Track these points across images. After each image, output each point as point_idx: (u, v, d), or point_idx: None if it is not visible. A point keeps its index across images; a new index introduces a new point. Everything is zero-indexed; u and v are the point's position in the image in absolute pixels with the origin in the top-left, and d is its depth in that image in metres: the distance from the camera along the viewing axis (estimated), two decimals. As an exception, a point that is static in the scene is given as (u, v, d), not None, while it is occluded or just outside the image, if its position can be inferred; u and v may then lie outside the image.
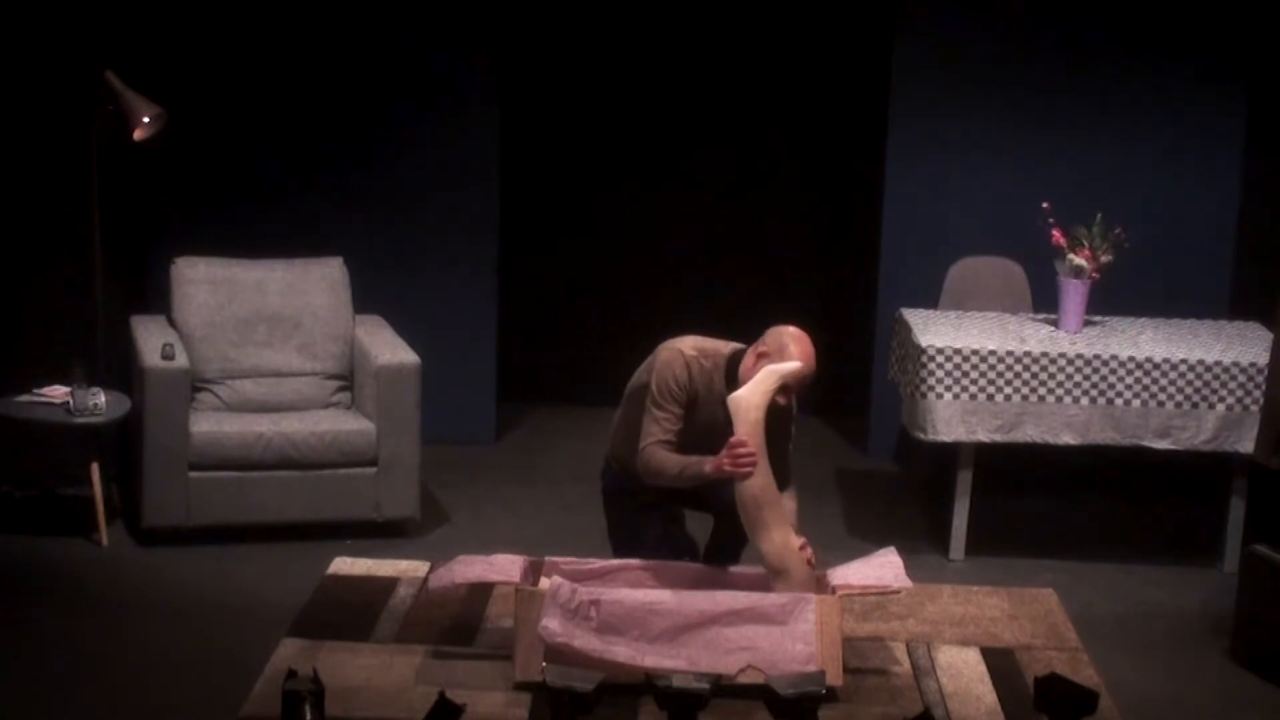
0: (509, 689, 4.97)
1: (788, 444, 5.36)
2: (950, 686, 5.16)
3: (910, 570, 5.29)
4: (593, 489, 6.95)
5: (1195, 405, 6.09)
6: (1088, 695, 4.61)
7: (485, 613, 5.56)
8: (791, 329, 5.13)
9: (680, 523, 5.55)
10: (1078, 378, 6.11)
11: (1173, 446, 6.14)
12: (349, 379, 6.62)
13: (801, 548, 5.15)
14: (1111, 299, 6.60)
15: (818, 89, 7.98)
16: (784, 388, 5.08)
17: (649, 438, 5.20)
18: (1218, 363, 6.09)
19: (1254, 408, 6.01)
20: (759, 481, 5.04)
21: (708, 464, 5.06)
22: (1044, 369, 6.12)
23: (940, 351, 6.14)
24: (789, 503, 5.29)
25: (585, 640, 4.91)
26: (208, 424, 6.20)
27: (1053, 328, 6.43)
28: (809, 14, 7.91)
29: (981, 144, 7.37)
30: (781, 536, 5.11)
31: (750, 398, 5.04)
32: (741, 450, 4.99)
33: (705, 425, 5.23)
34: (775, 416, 5.19)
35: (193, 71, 7.04)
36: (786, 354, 5.07)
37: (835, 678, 4.97)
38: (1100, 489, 6.35)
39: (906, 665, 5.30)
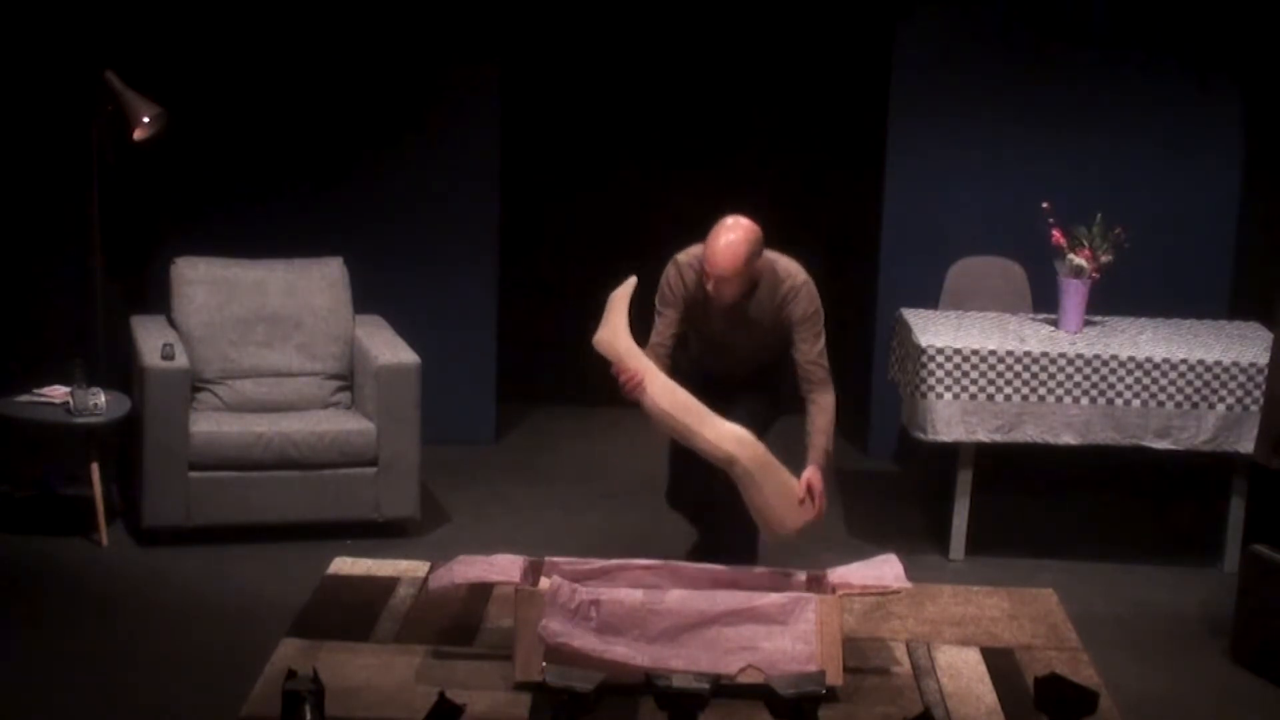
0: (509, 689, 4.97)
1: (806, 346, 5.42)
2: (950, 686, 5.16)
3: (910, 570, 5.30)
4: (593, 489, 6.98)
5: (1195, 405, 6.09)
6: (1088, 695, 4.61)
7: (485, 613, 5.57)
8: (722, 221, 5.34)
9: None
10: (1078, 378, 6.11)
11: (1173, 446, 6.13)
12: (349, 379, 6.62)
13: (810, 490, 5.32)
14: (1111, 299, 6.60)
15: (817, 89, 7.98)
16: (718, 280, 5.27)
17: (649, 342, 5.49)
18: (1218, 363, 6.09)
19: (1254, 408, 6.01)
20: (656, 395, 5.25)
21: None
22: (1044, 369, 6.12)
23: (940, 351, 6.14)
24: (824, 399, 5.43)
25: (585, 640, 4.91)
26: (208, 424, 6.20)
27: (1053, 328, 6.43)
28: (809, 14, 7.91)
29: (981, 144, 7.37)
30: (711, 432, 5.26)
31: (604, 334, 5.30)
32: (622, 379, 5.25)
33: (718, 320, 5.46)
34: (781, 324, 5.41)
35: (193, 71, 7.04)
36: (705, 249, 5.31)
37: (835, 678, 4.98)
38: (1100, 489, 6.36)
39: (906, 665, 5.31)
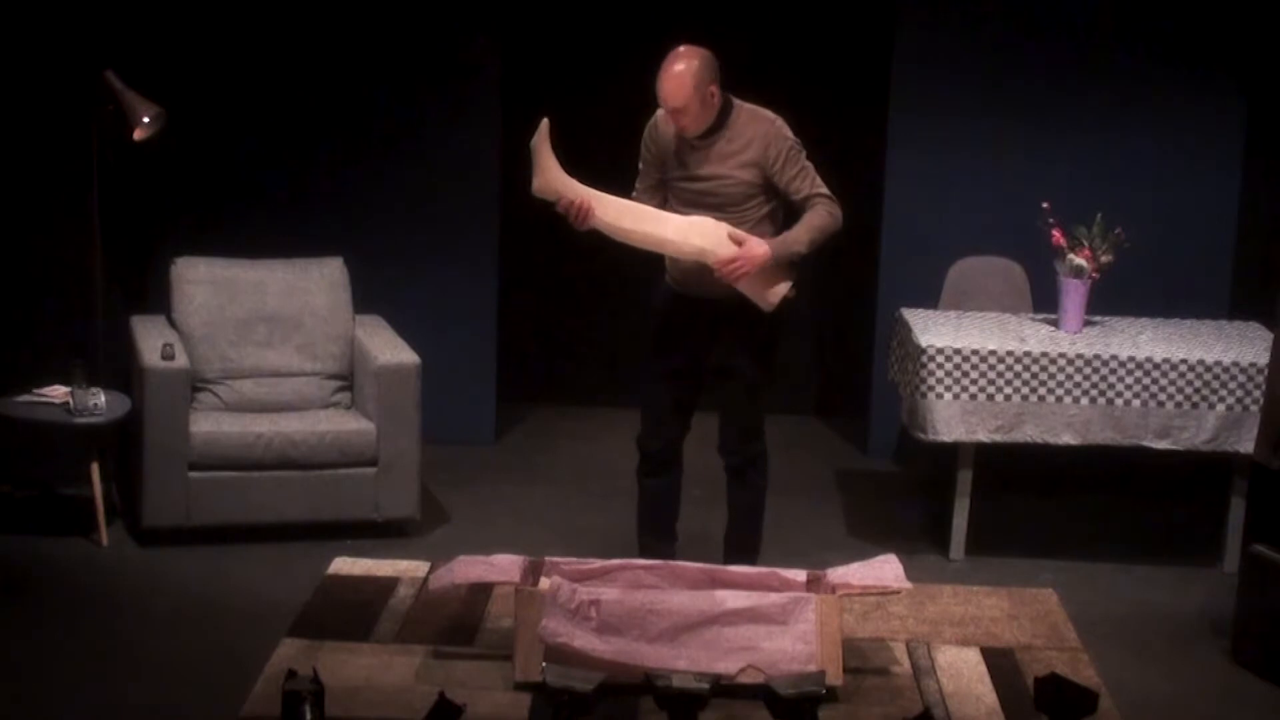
0: (509, 689, 4.97)
1: (796, 184, 5.38)
2: (950, 686, 5.16)
3: (910, 570, 5.30)
4: (593, 489, 6.98)
5: (1195, 405, 6.09)
6: (1088, 695, 4.62)
7: (485, 613, 5.57)
8: (673, 51, 5.37)
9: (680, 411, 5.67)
10: (1078, 378, 6.11)
11: (1173, 446, 6.13)
12: (349, 379, 6.62)
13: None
14: (1111, 299, 6.60)
15: (817, 88, 7.97)
16: (673, 113, 5.32)
17: None
18: (1218, 363, 6.09)
19: (1254, 408, 6.01)
20: (608, 216, 5.37)
21: None
22: (1044, 369, 6.12)
23: (940, 351, 6.14)
24: (823, 205, 5.38)
25: (585, 640, 4.91)
26: (208, 424, 6.20)
27: (1053, 328, 6.43)
28: (809, 13, 7.90)
29: (981, 144, 7.37)
30: (671, 231, 5.35)
31: (539, 181, 5.37)
32: (570, 211, 5.34)
33: (692, 167, 5.43)
34: (758, 164, 5.36)
35: (193, 71, 7.04)
36: (657, 83, 5.31)
37: (835, 678, 4.98)
38: (1100, 489, 6.35)
39: (906, 665, 5.31)
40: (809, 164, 5.43)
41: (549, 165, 5.37)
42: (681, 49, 5.36)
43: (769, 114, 5.45)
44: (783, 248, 5.35)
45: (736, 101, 5.47)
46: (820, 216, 5.39)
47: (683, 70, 5.29)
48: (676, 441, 5.67)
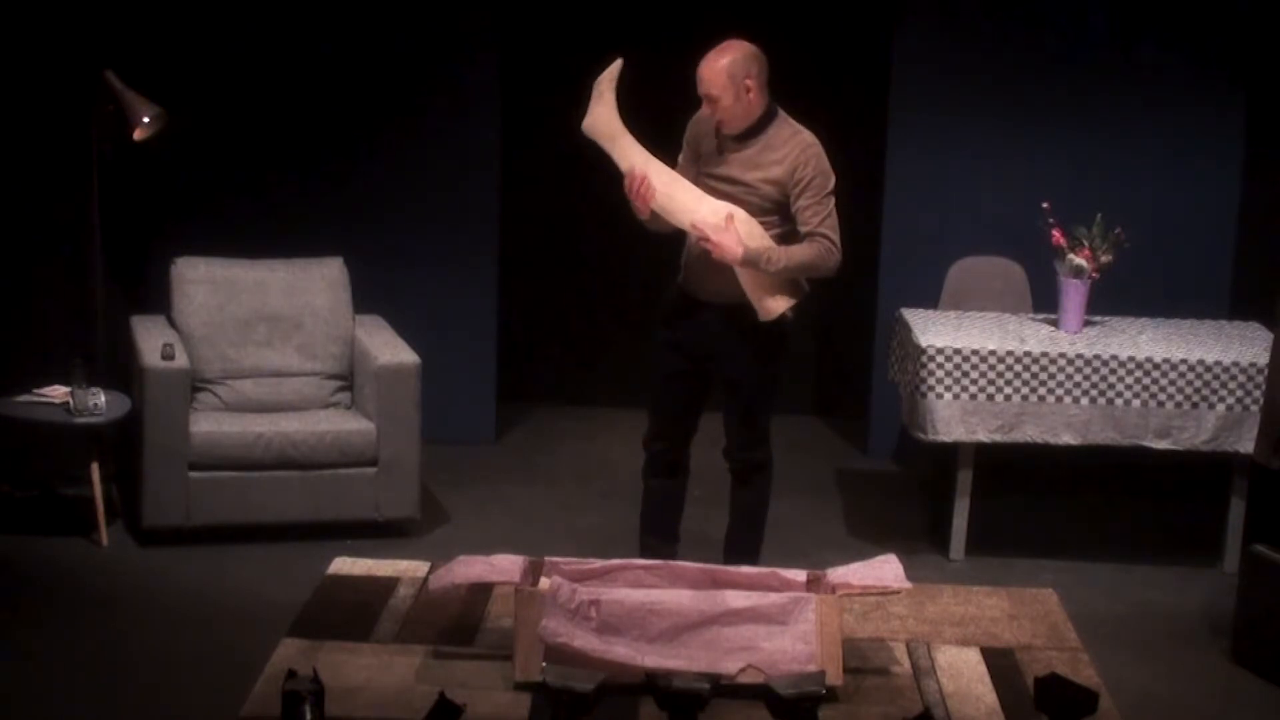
0: (509, 689, 4.97)
1: (809, 214, 5.30)
2: (950, 686, 5.16)
3: (910, 570, 5.30)
4: (593, 489, 6.98)
5: (1195, 405, 6.10)
6: (1088, 695, 4.62)
7: (485, 613, 5.57)
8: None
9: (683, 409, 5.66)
10: (1078, 378, 6.11)
11: (1173, 446, 6.13)
12: (349, 379, 6.62)
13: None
14: (1111, 299, 6.60)
15: (817, 88, 7.96)
16: (705, 97, 5.34)
17: None
18: (1218, 363, 6.09)
19: (1254, 408, 6.01)
20: (655, 181, 5.36)
21: None
22: (1044, 369, 6.12)
23: (940, 351, 6.14)
24: (821, 243, 5.30)
25: (585, 640, 4.91)
26: (208, 424, 6.20)
27: (1053, 328, 6.43)
28: (808, 13, 7.90)
29: (981, 144, 7.37)
30: (706, 209, 5.32)
31: (590, 120, 5.40)
32: (634, 185, 5.36)
33: (723, 163, 5.44)
34: (783, 182, 5.32)
35: (193, 71, 7.04)
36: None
37: (835, 678, 4.98)
38: (1100, 489, 6.35)
39: (906, 665, 5.31)
40: (830, 203, 5.33)
41: (608, 112, 5.36)
42: (729, 42, 5.38)
43: (810, 137, 5.40)
44: (753, 254, 5.26)
45: (782, 114, 5.44)
46: (809, 251, 5.30)
47: (720, 57, 5.32)
48: (683, 443, 5.66)
